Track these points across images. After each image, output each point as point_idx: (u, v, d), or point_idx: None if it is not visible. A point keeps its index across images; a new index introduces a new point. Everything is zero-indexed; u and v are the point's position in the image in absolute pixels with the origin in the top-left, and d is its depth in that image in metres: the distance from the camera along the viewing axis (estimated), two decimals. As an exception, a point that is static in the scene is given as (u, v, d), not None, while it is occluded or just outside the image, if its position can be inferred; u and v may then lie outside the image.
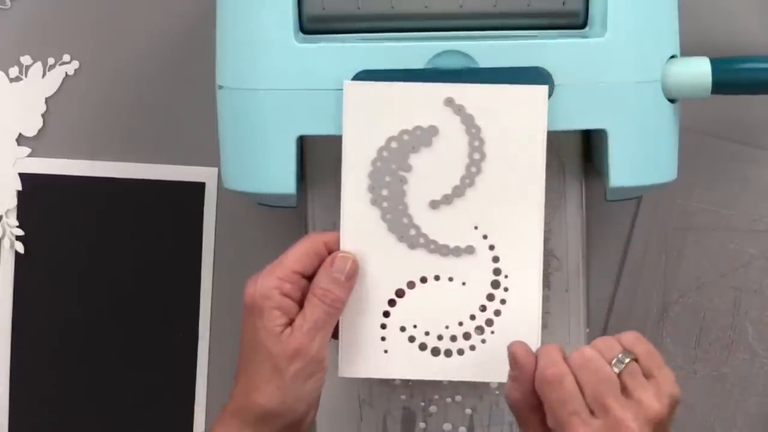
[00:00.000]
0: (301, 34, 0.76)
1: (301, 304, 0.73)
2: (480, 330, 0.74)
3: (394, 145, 0.73)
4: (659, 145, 0.78)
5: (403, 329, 0.74)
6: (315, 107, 0.75)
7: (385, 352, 0.75)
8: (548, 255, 0.80)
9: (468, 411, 0.83)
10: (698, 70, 0.78)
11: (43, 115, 0.93)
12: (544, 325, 0.78)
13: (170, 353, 0.95)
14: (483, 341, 0.74)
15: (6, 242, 0.93)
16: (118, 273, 0.94)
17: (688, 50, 0.78)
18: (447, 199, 0.73)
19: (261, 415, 0.73)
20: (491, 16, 0.76)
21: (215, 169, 0.93)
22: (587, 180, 0.83)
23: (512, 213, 0.72)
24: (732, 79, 0.78)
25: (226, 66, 0.78)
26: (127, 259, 0.94)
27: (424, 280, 0.74)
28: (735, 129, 0.90)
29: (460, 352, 0.75)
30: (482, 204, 0.72)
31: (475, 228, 0.73)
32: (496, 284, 0.74)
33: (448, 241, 0.73)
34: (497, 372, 0.74)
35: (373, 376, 0.76)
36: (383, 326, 0.74)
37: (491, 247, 0.73)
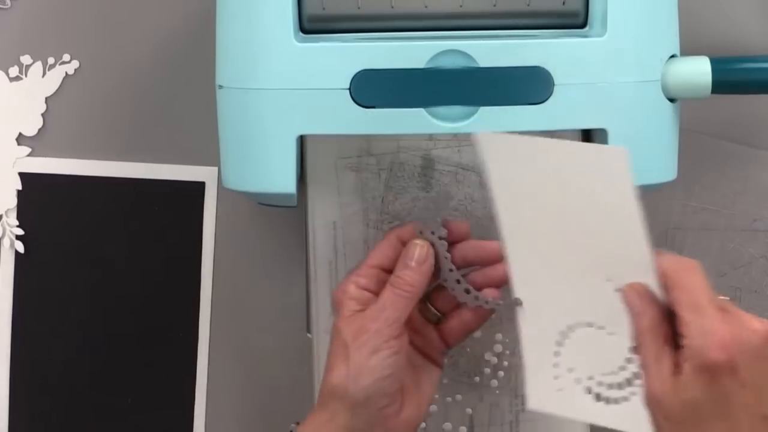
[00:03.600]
0: (301, 34, 0.76)
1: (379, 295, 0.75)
2: (630, 382, 0.71)
3: (527, 197, 0.72)
4: (659, 145, 0.78)
5: (570, 370, 0.73)
6: (315, 107, 0.75)
7: (559, 390, 0.73)
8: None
9: (468, 411, 0.84)
10: (698, 70, 0.78)
11: (43, 115, 0.93)
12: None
13: (170, 353, 0.95)
14: (633, 393, 0.71)
15: (6, 241, 0.93)
16: (117, 272, 0.94)
17: (688, 50, 0.79)
18: (575, 249, 0.71)
19: (334, 393, 0.74)
20: (491, 16, 0.76)
21: (215, 169, 0.93)
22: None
23: (632, 268, 0.70)
24: (732, 79, 0.78)
25: (226, 66, 0.78)
26: (126, 258, 0.94)
27: (580, 325, 0.72)
28: (735, 129, 0.90)
29: (617, 401, 0.72)
30: (607, 258, 0.70)
31: (609, 280, 0.70)
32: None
33: (588, 291, 0.71)
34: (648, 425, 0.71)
35: (554, 413, 0.74)
36: (555, 365, 0.73)
37: None
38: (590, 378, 0.72)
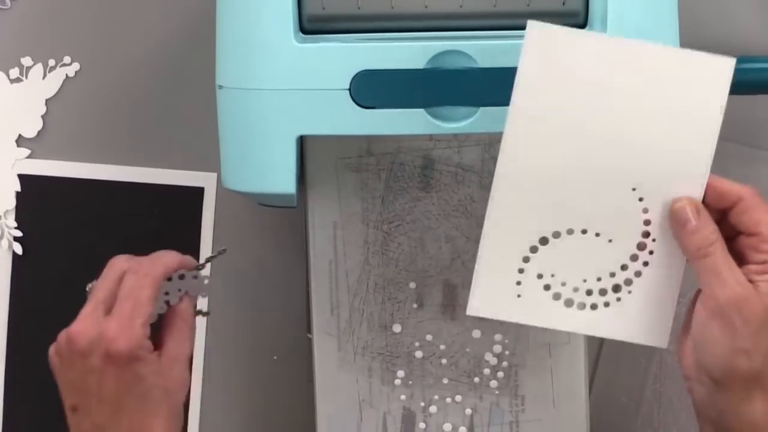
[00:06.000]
0: (301, 34, 0.76)
1: None
2: (617, 288, 0.74)
3: (567, 95, 0.72)
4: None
5: (540, 276, 0.74)
6: (315, 107, 0.75)
7: (518, 296, 0.74)
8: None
9: (468, 411, 0.84)
10: (698, 70, 0.78)
11: (43, 117, 0.93)
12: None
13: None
14: (618, 299, 0.74)
15: (4, 243, 0.93)
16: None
17: (687, 50, 0.79)
18: (609, 154, 0.72)
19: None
20: (491, 16, 0.76)
21: (214, 174, 0.93)
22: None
23: (672, 181, 0.72)
24: (732, 79, 0.78)
25: (226, 66, 0.78)
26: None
27: (570, 231, 0.73)
28: (735, 129, 0.90)
29: (594, 307, 0.74)
30: (644, 166, 0.72)
31: (633, 189, 0.72)
32: (642, 246, 0.73)
33: (604, 198, 0.73)
34: (627, 332, 0.74)
35: (500, 318, 0.75)
36: (521, 270, 0.74)
37: (645, 210, 0.73)
38: (563, 284, 0.74)
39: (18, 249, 0.94)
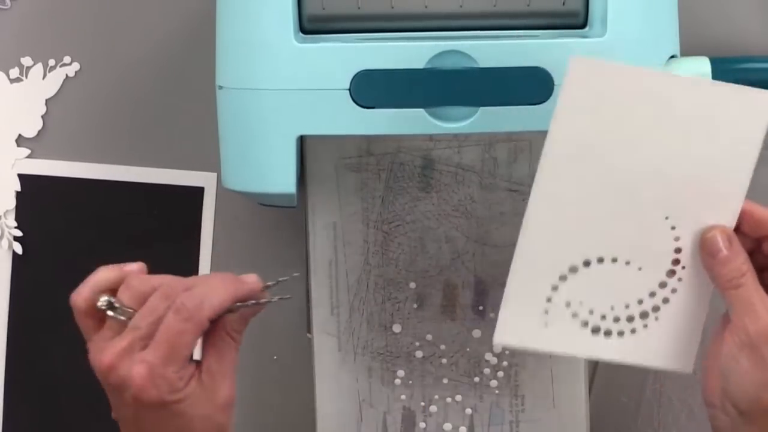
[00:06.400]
0: (301, 34, 0.76)
1: None
2: (644, 315, 0.74)
3: (605, 126, 0.72)
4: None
5: (568, 305, 0.74)
6: (315, 107, 0.75)
7: (546, 325, 0.74)
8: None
9: (468, 411, 0.84)
10: (698, 70, 0.78)
11: (43, 117, 0.93)
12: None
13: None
14: (645, 326, 0.74)
15: (4, 243, 0.93)
16: (116, 276, 0.94)
17: (688, 50, 0.79)
18: (643, 183, 0.72)
19: None
20: (491, 16, 0.76)
21: (214, 174, 0.93)
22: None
23: (705, 211, 0.72)
24: (732, 79, 0.78)
25: (226, 66, 0.78)
26: (124, 262, 0.94)
27: (601, 260, 0.73)
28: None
29: (621, 333, 0.74)
30: (677, 195, 0.72)
31: (666, 218, 0.73)
32: (671, 273, 0.73)
33: (636, 227, 0.73)
34: (654, 358, 0.74)
35: (528, 347, 0.74)
36: (549, 299, 0.73)
37: (677, 239, 0.73)
38: (591, 312, 0.74)
39: (18, 249, 0.94)
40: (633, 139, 0.71)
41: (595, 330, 0.74)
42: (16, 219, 0.93)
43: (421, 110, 0.75)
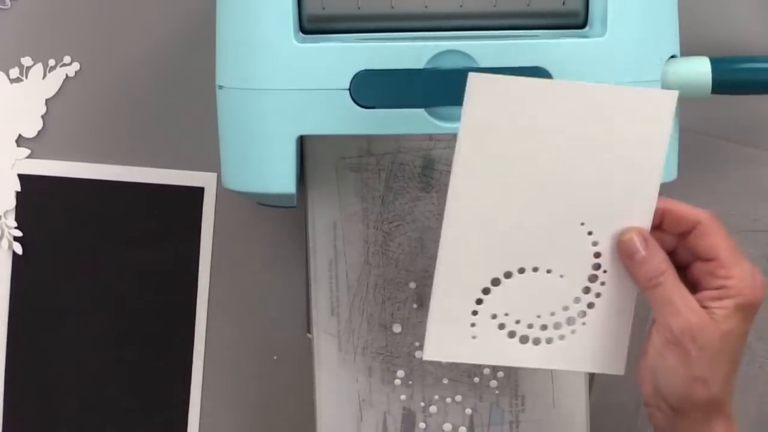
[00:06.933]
0: (301, 34, 0.76)
1: None
2: (571, 321, 0.75)
3: (512, 139, 0.72)
4: (659, 146, 0.78)
5: (494, 317, 0.75)
6: (315, 107, 0.75)
7: (473, 338, 0.75)
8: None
9: (468, 411, 0.84)
10: (698, 70, 0.78)
11: (43, 117, 0.93)
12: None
13: (166, 358, 0.94)
14: (573, 332, 0.75)
15: (4, 243, 0.93)
16: (115, 276, 0.94)
17: (688, 50, 0.79)
18: (556, 193, 0.73)
19: None
20: (491, 16, 0.76)
21: (214, 174, 0.93)
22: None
23: (621, 214, 0.73)
24: (732, 79, 0.78)
25: (226, 66, 0.78)
26: (124, 262, 0.94)
27: (522, 270, 0.74)
28: (735, 129, 0.90)
29: (549, 341, 0.75)
30: (591, 201, 0.73)
31: (582, 224, 0.73)
32: (593, 278, 0.74)
33: (553, 235, 0.73)
34: (584, 362, 0.75)
35: (457, 360, 0.76)
36: (474, 312, 0.74)
37: (594, 243, 0.73)
38: (517, 322, 0.75)
39: (18, 249, 0.94)
40: (541, 150, 0.71)
41: (524, 339, 0.75)
42: (16, 219, 0.93)
43: (421, 110, 0.75)
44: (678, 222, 0.73)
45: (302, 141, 0.79)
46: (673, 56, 0.77)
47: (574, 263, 0.74)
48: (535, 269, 0.74)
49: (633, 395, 0.96)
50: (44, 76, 0.92)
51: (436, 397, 0.83)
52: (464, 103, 0.70)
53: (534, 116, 0.71)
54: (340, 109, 0.75)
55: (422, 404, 0.84)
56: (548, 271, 0.74)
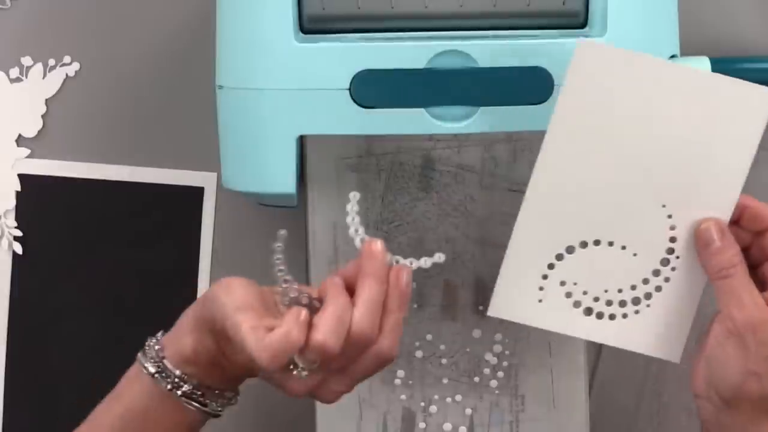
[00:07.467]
0: (301, 34, 0.76)
1: None
2: (637, 301, 0.75)
3: (608, 113, 0.73)
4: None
5: (563, 284, 0.75)
6: (315, 107, 0.75)
7: (539, 301, 0.75)
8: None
9: (468, 411, 0.83)
10: (698, 70, 0.78)
11: (43, 117, 0.93)
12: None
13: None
14: (637, 312, 0.75)
15: (4, 243, 0.93)
16: (115, 276, 0.94)
17: (688, 50, 0.79)
18: (643, 171, 0.73)
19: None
20: (491, 16, 0.76)
21: (214, 174, 0.93)
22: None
23: (702, 202, 0.73)
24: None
25: (226, 66, 0.78)
26: (124, 262, 0.94)
27: (597, 242, 0.74)
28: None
29: (612, 317, 0.76)
30: (675, 185, 0.73)
31: (663, 206, 0.74)
32: (665, 262, 0.75)
33: (633, 212, 0.74)
34: (642, 344, 0.76)
35: (521, 321, 0.76)
36: (545, 277, 0.75)
37: (672, 227, 0.74)
38: (585, 293, 0.75)
39: (18, 249, 0.93)
40: (635, 126, 0.72)
41: (588, 311, 0.76)
42: (16, 219, 0.93)
43: (421, 110, 0.75)
44: (756, 220, 0.73)
45: (302, 141, 0.79)
46: (673, 56, 0.77)
47: (649, 243, 0.74)
48: (611, 243, 0.74)
49: (633, 395, 0.96)
50: (44, 76, 0.92)
51: (436, 397, 0.83)
52: (568, 70, 0.71)
53: (634, 90, 0.72)
54: (340, 109, 0.75)
55: (422, 404, 0.84)
56: (623, 248, 0.74)
